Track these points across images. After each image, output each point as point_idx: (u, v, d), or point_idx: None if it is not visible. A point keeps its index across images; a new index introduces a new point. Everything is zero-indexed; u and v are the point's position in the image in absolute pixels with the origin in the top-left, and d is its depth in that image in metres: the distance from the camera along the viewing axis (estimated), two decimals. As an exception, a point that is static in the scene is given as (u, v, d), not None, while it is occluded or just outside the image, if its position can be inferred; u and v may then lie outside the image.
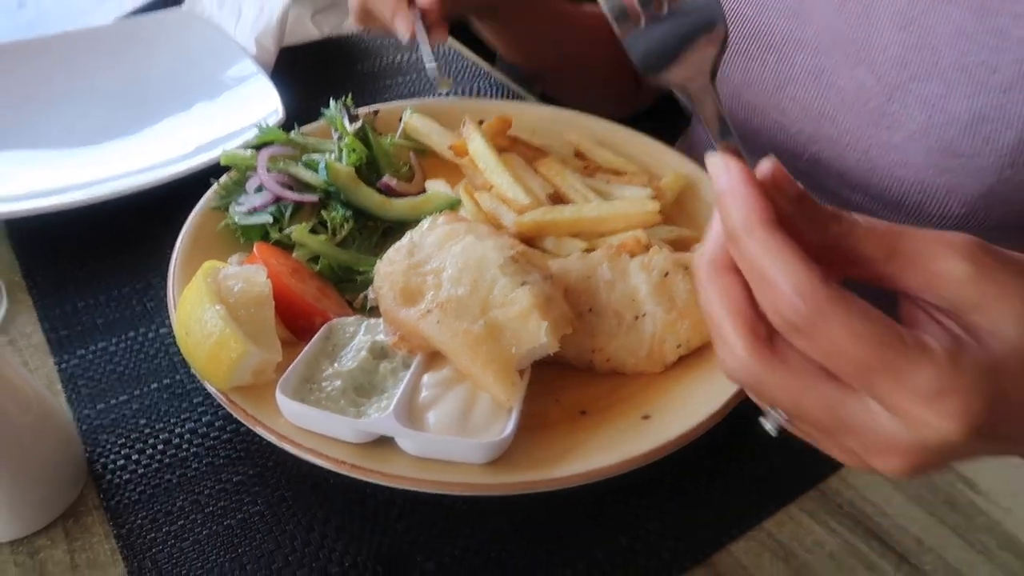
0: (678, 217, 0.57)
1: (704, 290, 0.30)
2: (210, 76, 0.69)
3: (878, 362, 0.26)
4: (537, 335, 0.42)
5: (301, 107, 0.66)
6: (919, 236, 0.28)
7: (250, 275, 0.45)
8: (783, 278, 0.27)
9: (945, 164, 0.54)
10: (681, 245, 0.52)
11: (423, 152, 0.63)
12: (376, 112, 0.63)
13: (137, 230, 0.56)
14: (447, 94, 0.64)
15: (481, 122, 0.61)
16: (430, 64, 0.62)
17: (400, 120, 0.63)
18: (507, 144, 0.60)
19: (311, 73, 0.78)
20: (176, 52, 0.71)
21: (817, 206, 0.30)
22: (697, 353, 0.46)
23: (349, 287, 0.51)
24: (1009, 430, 0.28)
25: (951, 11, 0.51)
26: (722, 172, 0.29)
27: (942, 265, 0.28)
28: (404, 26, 0.61)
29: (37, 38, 0.72)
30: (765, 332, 0.29)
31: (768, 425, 0.33)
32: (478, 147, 0.56)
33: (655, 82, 0.32)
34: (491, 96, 0.72)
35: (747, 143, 0.30)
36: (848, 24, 0.57)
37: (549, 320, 0.42)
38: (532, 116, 0.66)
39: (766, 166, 0.29)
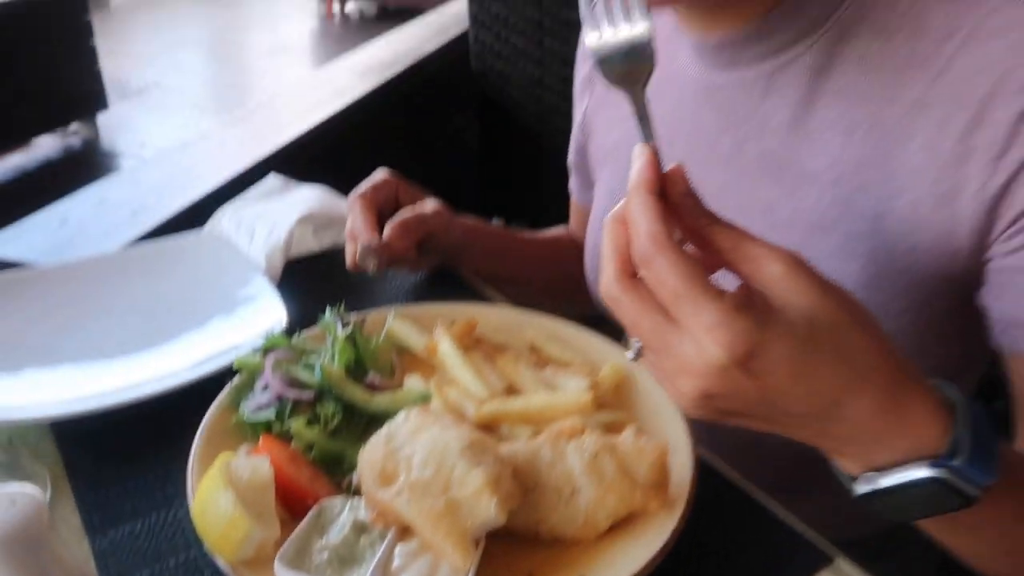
0: (615, 403, 0.68)
1: (604, 235, 0.45)
2: (226, 293, 0.81)
3: (685, 293, 0.40)
4: (488, 510, 0.51)
5: (303, 312, 0.78)
6: (756, 241, 0.43)
7: (256, 464, 0.55)
8: (644, 225, 0.41)
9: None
10: (616, 428, 0.62)
11: (404, 351, 0.75)
12: (364, 318, 0.75)
13: (161, 427, 0.66)
14: (373, 273, 0.79)
15: (453, 322, 0.74)
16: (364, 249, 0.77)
17: (384, 324, 0.76)
18: (472, 343, 0.73)
19: (312, 281, 0.91)
20: (197, 271, 0.84)
21: (697, 203, 0.44)
22: (625, 520, 0.56)
23: (338, 471, 0.61)
24: (769, 381, 0.41)
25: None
26: (638, 155, 0.44)
27: (765, 265, 0.42)
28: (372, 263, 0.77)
29: (74, 262, 0.86)
30: (632, 271, 0.43)
31: (629, 354, 0.46)
32: (446, 348, 0.69)
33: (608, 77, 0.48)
34: (464, 295, 0.85)
35: None
36: None
37: (499, 497, 0.52)
38: (496, 316, 0.79)
39: (672, 165, 0.44)
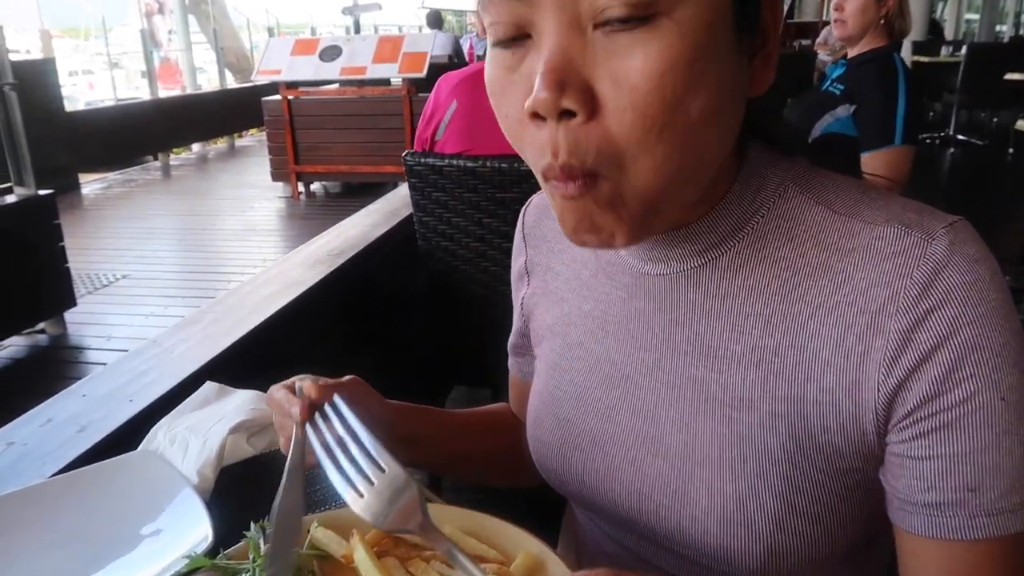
0: (526, 595, 0.70)
1: None
2: (156, 515, 0.84)
3: None
4: None
5: (234, 521, 0.80)
6: None
7: None
8: None
9: (733, 531, 0.69)
10: (525, 621, 0.65)
11: (327, 557, 0.77)
12: (287, 530, 0.78)
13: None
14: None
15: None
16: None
17: (307, 533, 0.79)
18: (390, 545, 0.76)
19: (245, 489, 0.95)
20: (129, 494, 0.87)
21: None
22: None
23: None
24: None
25: (709, 419, 0.70)
26: None
27: None
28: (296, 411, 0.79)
29: (14, 492, 0.88)
30: None
31: None
32: (360, 556, 0.72)
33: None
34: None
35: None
36: (644, 425, 0.76)
37: None
38: (417, 513, 0.82)
39: None
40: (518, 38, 0.58)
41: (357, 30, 9.74)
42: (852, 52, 2.68)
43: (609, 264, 0.79)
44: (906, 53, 6.71)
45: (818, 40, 8.00)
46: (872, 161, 2.51)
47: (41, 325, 4.47)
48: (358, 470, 0.72)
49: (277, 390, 0.85)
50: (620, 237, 0.62)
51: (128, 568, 0.78)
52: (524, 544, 0.77)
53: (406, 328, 2.52)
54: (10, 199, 4.14)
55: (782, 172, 0.70)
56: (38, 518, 0.84)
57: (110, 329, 4.61)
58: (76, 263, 4.60)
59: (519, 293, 0.95)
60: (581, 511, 0.88)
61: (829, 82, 2.73)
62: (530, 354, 0.95)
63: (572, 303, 0.84)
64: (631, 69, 0.53)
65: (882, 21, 2.57)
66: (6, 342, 4.34)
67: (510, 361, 1.03)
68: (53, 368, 4.14)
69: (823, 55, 7.42)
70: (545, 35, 0.55)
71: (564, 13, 0.54)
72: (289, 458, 0.80)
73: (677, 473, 0.72)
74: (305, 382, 0.83)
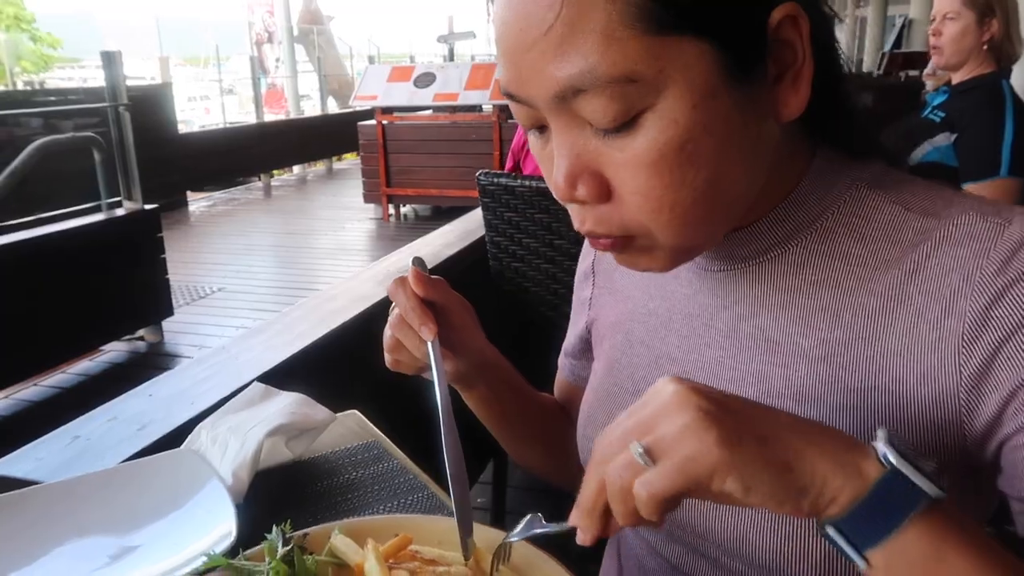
0: (538, 620, 0.67)
1: None
2: (187, 511, 0.85)
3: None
4: None
5: (263, 524, 0.80)
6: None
7: None
8: None
9: (789, 533, 0.65)
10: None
11: (343, 565, 0.76)
12: (306, 535, 0.77)
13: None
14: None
15: (397, 534, 0.76)
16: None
17: (328, 539, 0.78)
18: (406, 557, 0.74)
19: (279, 492, 0.95)
20: (166, 490, 0.88)
21: None
22: None
23: None
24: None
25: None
26: None
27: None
28: (428, 330, 0.78)
29: (44, 486, 0.91)
30: None
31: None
32: (370, 565, 0.70)
33: None
34: (422, 509, 0.87)
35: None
36: None
37: None
38: (441, 527, 0.80)
39: None
40: (540, 127, 0.62)
41: (451, 58, 9.98)
42: (956, 79, 2.54)
43: None
44: None
45: (926, 71, 7.64)
46: (975, 192, 2.36)
47: (140, 332, 4.72)
48: None
49: (401, 295, 0.80)
50: (661, 268, 0.66)
51: (149, 561, 0.79)
52: (547, 569, 0.74)
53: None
54: (119, 212, 4.41)
55: (855, 172, 0.69)
56: (74, 508, 0.87)
57: (202, 339, 4.82)
58: (177, 275, 4.85)
59: (583, 293, 0.94)
60: None
61: (929, 109, 2.59)
62: (586, 357, 0.94)
63: (638, 300, 0.83)
64: (626, 162, 0.57)
65: (985, 47, 2.42)
66: (107, 347, 4.60)
67: (562, 362, 1.01)
68: (149, 374, 4.33)
69: (931, 85, 7.08)
70: (554, 132, 0.59)
71: (561, 117, 0.58)
72: (438, 392, 0.77)
73: None
74: (411, 278, 0.80)
